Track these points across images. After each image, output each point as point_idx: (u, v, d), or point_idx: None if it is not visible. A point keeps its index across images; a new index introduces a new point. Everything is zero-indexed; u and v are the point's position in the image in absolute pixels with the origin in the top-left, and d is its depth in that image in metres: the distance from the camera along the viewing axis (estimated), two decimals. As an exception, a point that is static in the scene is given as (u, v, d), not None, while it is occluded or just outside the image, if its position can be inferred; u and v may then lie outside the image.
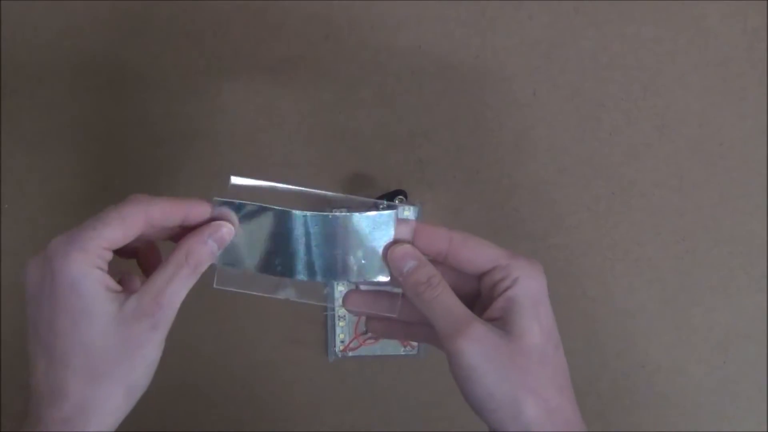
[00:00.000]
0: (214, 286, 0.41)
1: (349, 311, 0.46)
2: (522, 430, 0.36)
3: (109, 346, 0.36)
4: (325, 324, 0.59)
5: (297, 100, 0.61)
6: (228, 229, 0.40)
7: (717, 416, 0.60)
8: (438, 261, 0.40)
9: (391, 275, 0.40)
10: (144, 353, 0.37)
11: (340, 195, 0.42)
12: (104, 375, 0.36)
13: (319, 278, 0.41)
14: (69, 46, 0.60)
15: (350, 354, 0.58)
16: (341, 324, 0.58)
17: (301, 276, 0.41)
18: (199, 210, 0.40)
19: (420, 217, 0.57)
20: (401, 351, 0.59)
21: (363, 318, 0.58)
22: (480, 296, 0.41)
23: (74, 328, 0.36)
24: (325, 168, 0.60)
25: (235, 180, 0.41)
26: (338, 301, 0.58)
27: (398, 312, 0.42)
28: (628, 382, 0.60)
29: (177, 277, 0.38)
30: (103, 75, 0.60)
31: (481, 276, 0.40)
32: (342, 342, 0.58)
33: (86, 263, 0.36)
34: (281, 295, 0.42)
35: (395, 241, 0.40)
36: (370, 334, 0.58)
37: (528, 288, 0.38)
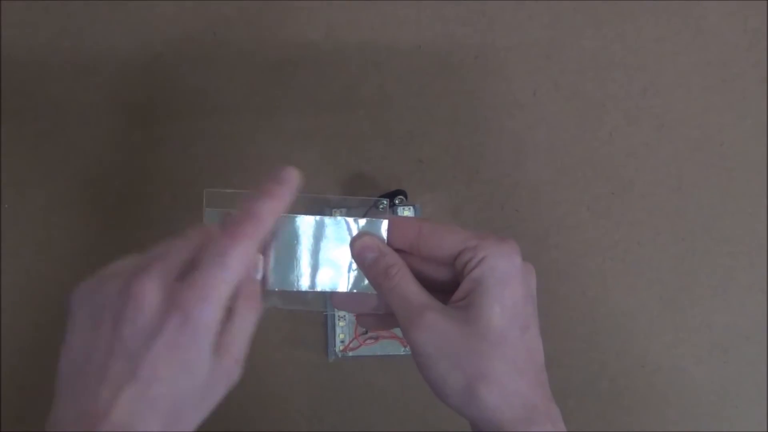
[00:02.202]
0: None
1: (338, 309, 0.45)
2: (477, 414, 0.36)
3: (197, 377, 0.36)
4: (324, 324, 0.59)
5: (297, 100, 0.61)
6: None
7: (717, 416, 0.60)
8: (412, 252, 0.40)
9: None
10: (222, 391, 0.38)
11: (335, 197, 0.41)
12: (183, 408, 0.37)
13: (318, 288, 0.41)
14: (69, 46, 0.60)
15: (350, 354, 0.58)
16: (341, 324, 0.58)
17: (301, 287, 0.41)
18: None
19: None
20: (401, 351, 0.59)
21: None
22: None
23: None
24: (325, 168, 0.60)
25: (210, 191, 0.40)
26: (338, 301, 0.58)
27: (384, 307, 0.41)
28: (627, 382, 0.60)
29: (246, 317, 0.37)
30: (103, 75, 0.60)
31: (453, 261, 0.39)
32: (342, 342, 0.58)
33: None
34: (268, 304, 0.42)
35: (358, 234, 0.40)
36: (370, 334, 0.58)
37: (493, 268, 0.37)
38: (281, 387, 0.59)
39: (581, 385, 0.59)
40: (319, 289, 0.41)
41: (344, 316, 0.58)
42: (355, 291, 0.41)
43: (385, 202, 0.45)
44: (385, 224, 0.40)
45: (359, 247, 0.40)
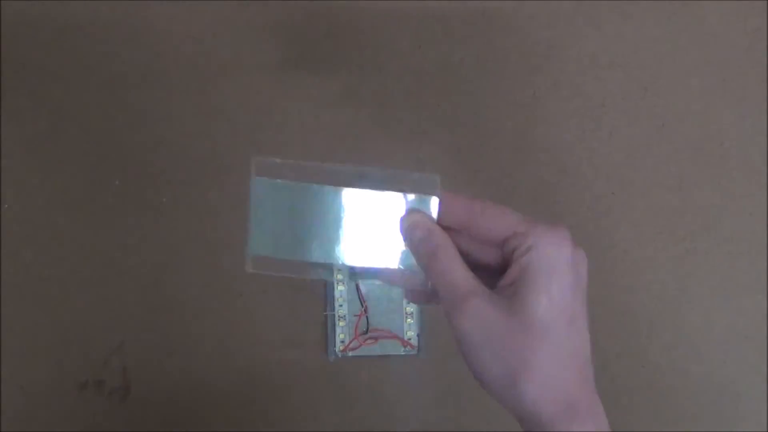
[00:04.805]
0: (248, 270, 0.40)
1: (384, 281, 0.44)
2: (518, 406, 0.35)
3: None
4: (324, 324, 0.59)
5: (297, 100, 0.61)
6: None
7: (717, 416, 0.60)
8: (461, 231, 0.39)
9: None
10: None
11: (376, 168, 0.40)
12: None
13: (357, 265, 0.40)
14: (69, 46, 0.60)
15: (350, 354, 0.58)
16: (341, 324, 0.58)
17: (341, 261, 0.40)
18: None
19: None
20: (401, 351, 0.59)
21: (363, 318, 0.58)
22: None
23: None
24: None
25: (259, 159, 0.39)
26: (338, 301, 0.58)
27: (429, 284, 0.40)
28: (628, 382, 0.60)
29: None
30: (104, 74, 0.60)
31: (503, 244, 0.38)
32: (342, 342, 0.58)
33: None
34: (314, 276, 0.41)
35: (408, 211, 0.39)
36: (370, 334, 0.58)
37: (542, 256, 0.36)
38: (281, 387, 0.59)
39: (581, 385, 0.59)
40: (366, 265, 0.40)
41: (344, 315, 0.58)
42: (402, 268, 0.40)
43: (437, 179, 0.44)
44: (435, 201, 0.39)
45: (408, 225, 0.39)
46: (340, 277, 0.54)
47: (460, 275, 0.37)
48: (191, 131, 0.60)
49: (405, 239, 0.39)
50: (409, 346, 0.59)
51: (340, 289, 0.58)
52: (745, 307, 0.61)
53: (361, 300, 0.58)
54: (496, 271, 0.38)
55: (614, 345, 0.60)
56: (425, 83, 0.61)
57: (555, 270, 0.36)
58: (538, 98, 0.62)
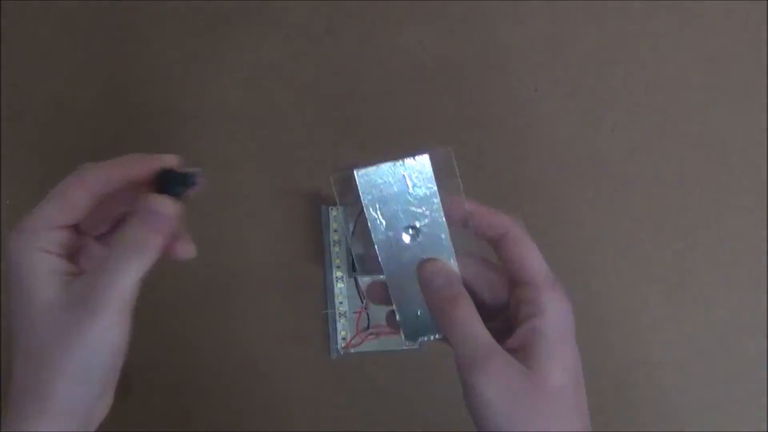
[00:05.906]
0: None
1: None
2: None
3: (47, 331, 0.34)
4: (326, 321, 0.59)
5: (298, 96, 0.61)
6: (169, 208, 0.37)
7: (718, 413, 0.60)
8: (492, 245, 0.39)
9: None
10: (84, 340, 0.34)
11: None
12: (42, 359, 0.34)
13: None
14: (69, 44, 0.60)
15: (352, 351, 0.58)
16: (342, 321, 0.58)
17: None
18: (140, 166, 0.37)
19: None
20: (403, 346, 0.59)
21: (364, 314, 0.58)
22: (508, 308, 0.40)
23: (18, 312, 0.35)
24: (325, 163, 0.60)
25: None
26: (338, 298, 0.58)
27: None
28: (629, 379, 0.60)
29: (117, 260, 0.35)
30: (104, 72, 0.60)
31: (515, 287, 0.38)
32: (344, 339, 0.58)
33: (26, 245, 0.35)
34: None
35: (429, 259, 0.39)
36: (371, 330, 0.58)
37: (554, 321, 0.36)
38: (283, 384, 0.59)
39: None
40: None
41: (345, 312, 0.58)
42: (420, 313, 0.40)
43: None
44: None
45: (430, 270, 0.39)
46: (339, 274, 0.55)
47: (481, 330, 0.37)
48: (192, 128, 0.60)
49: (421, 284, 0.39)
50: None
51: (340, 287, 0.58)
52: (747, 304, 0.61)
53: (361, 296, 0.58)
54: (498, 310, 0.39)
55: (616, 341, 0.60)
56: (427, 79, 0.61)
57: (565, 336, 0.37)
58: (539, 94, 0.62)
